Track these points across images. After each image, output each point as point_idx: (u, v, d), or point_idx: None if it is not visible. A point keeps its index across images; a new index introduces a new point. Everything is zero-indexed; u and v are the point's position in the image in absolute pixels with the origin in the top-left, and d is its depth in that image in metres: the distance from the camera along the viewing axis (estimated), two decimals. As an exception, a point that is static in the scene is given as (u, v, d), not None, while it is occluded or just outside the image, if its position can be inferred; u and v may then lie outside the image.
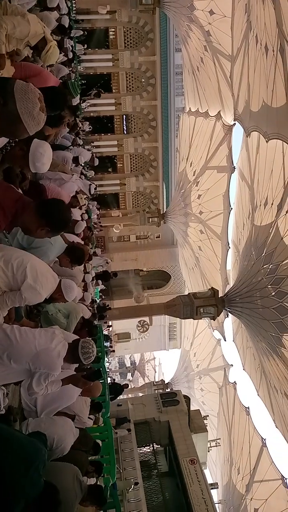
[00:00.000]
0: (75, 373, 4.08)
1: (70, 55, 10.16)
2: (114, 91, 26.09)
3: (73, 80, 8.39)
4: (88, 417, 5.48)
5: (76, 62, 15.81)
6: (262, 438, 15.41)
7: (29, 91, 2.08)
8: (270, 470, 14.57)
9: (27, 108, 2.03)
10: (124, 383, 16.49)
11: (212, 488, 14.58)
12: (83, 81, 22.54)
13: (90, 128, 21.04)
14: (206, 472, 16.43)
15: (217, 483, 18.40)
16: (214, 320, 16.11)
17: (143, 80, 25.77)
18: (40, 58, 4.49)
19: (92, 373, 4.55)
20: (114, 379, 16.04)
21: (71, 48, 10.13)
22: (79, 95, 7.83)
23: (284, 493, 13.71)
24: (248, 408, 16.85)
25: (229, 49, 12.67)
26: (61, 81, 5.02)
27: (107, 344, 21.15)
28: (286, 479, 13.76)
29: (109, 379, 16.06)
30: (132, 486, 10.33)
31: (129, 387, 32.40)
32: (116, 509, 6.51)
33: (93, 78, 25.47)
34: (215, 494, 17.24)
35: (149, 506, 10.94)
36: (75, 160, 9.06)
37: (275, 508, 14.03)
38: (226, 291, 15.42)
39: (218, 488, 18.09)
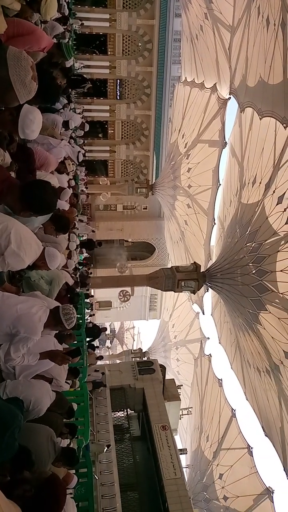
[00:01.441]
0: (54, 349, 4.17)
1: (66, 11, 9.74)
2: (109, 53, 25.23)
3: (67, 41, 8.07)
4: (66, 382, 5.61)
5: (72, 20, 15.15)
6: (232, 409, 16.04)
7: (22, 58, 2.00)
8: (237, 439, 15.27)
9: (19, 76, 1.97)
10: (102, 326, 16.67)
11: (181, 453, 15.25)
12: (77, 29, 21.53)
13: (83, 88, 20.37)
14: (177, 438, 17.12)
15: (186, 449, 19.18)
16: (194, 294, 16.35)
17: (140, 44, 24.94)
18: (40, 12, 4.31)
19: (73, 351, 4.64)
20: (91, 323, 16.07)
21: (66, 5, 9.68)
22: (72, 57, 7.56)
23: (249, 461, 14.45)
24: (221, 380, 17.42)
25: (230, 19, 12.25)
26: (54, 41, 4.82)
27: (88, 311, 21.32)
28: (251, 448, 14.48)
29: (88, 320, 16.09)
30: (105, 449, 10.70)
31: (107, 331, 32.65)
32: (87, 469, 6.79)
33: (88, 37, 24.57)
34: (184, 459, 18.05)
35: (119, 468, 11.41)
36: (65, 124, 8.85)
37: (239, 474, 14.80)
38: (208, 267, 15.60)
39: (187, 453, 18.88)
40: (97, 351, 18.85)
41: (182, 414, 18.84)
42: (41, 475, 2.14)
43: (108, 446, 10.98)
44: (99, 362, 16.05)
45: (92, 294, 26.44)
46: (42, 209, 2.78)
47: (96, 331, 14.22)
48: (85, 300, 16.02)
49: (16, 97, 2.00)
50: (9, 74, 1.94)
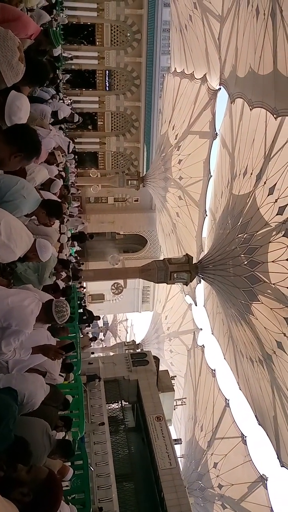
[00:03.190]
0: (47, 342, 4.13)
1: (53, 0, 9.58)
2: (97, 43, 24.93)
3: (54, 29, 7.93)
4: (60, 375, 5.58)
5: (59, 9, 14.90)
6: (225, 398, 16.18)
7: (8, 38, 1.92)
8: (231, 429, 15.42)
9: (6, 57, 1.89)
10: (96, 315, 16.58)
11: (175, 443, 15.37)
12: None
13: (71, 76, 20.09)
14: (171, 428, 17.22)
15: (180, 439, 19.33)
16: (186, 285, 16.39)
17: (128, 34, 24.68)
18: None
19: (67, 346, 4.61)
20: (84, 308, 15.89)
21: (53, -7, 9.51)
22: (60, 45, 7.43)
23: (243, 449, 14.61)
24: (214, 370, 17.54)
25: (219, 8, 12.13)
26: (41, 28, 4.73)
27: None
28: (245, 437, 14.63)
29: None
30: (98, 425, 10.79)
31: (99, 320, 32.38)
32: (83, 461, 6.81)
33: (76, 28, 24.26)
34: (178, 449, 18.20)
35: (115, 459, 11.49)
36: (54, 114, 8.72)
37: (233, 463, 14.98)
38: (200, 258, 15.62)
39: (181, 443, 19.04)
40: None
41: (176, 405, 18.98)
42: (37, 476, 2.08)
43: (102, 424, 11.05)
44: (92, 355, 16.03)
45: (85, 286, 26.37)
46: (31, 147, 2.69)
47: (88, 318, 14.17)
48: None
49: (2, 79, 1.92)
50: None
